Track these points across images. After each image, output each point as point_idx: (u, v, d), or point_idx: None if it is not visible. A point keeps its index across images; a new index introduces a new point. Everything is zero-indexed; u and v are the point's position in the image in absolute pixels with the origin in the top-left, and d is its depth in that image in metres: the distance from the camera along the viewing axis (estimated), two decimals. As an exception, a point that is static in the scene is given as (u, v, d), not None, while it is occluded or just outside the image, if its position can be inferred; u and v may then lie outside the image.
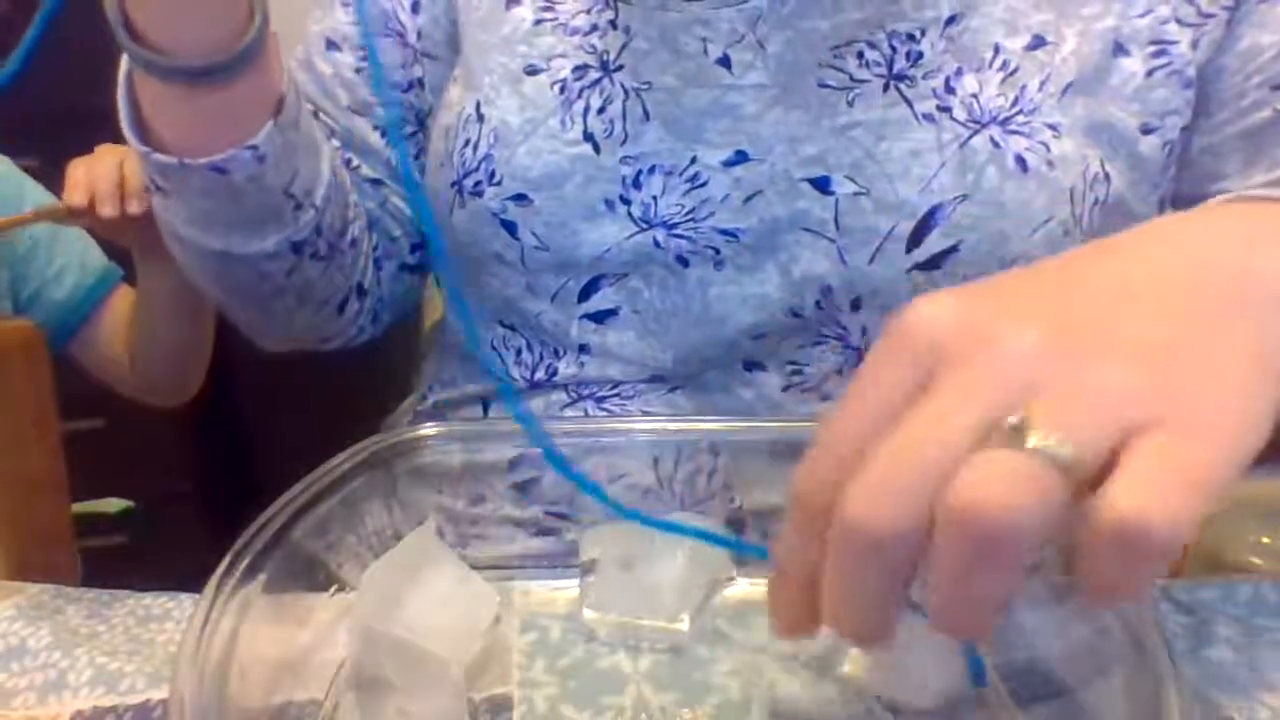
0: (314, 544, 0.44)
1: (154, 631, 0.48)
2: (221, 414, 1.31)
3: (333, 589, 0.47)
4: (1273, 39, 0.54)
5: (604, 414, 0.61)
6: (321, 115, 0.65)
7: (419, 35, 0.65)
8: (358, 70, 0.65)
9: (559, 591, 0.50)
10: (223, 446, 1.43)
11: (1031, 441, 0.27)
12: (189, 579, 0.43)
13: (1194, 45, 0.55)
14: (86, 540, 0.90)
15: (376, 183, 0.67)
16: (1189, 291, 0.31)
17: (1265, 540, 1.46)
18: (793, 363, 0.59)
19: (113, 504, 1.22)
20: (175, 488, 1.37)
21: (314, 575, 0.46)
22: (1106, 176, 0.54)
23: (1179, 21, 0.55)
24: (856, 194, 0.54)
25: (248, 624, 0.39)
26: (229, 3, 0.50)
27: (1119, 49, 0.55)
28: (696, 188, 0.57)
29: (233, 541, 0.40)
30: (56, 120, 1.00)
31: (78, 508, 0.87)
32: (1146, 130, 0.55)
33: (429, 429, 0.50)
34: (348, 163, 0.66)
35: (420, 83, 0.66)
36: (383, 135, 0.66)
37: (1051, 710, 0.42)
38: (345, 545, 0.47)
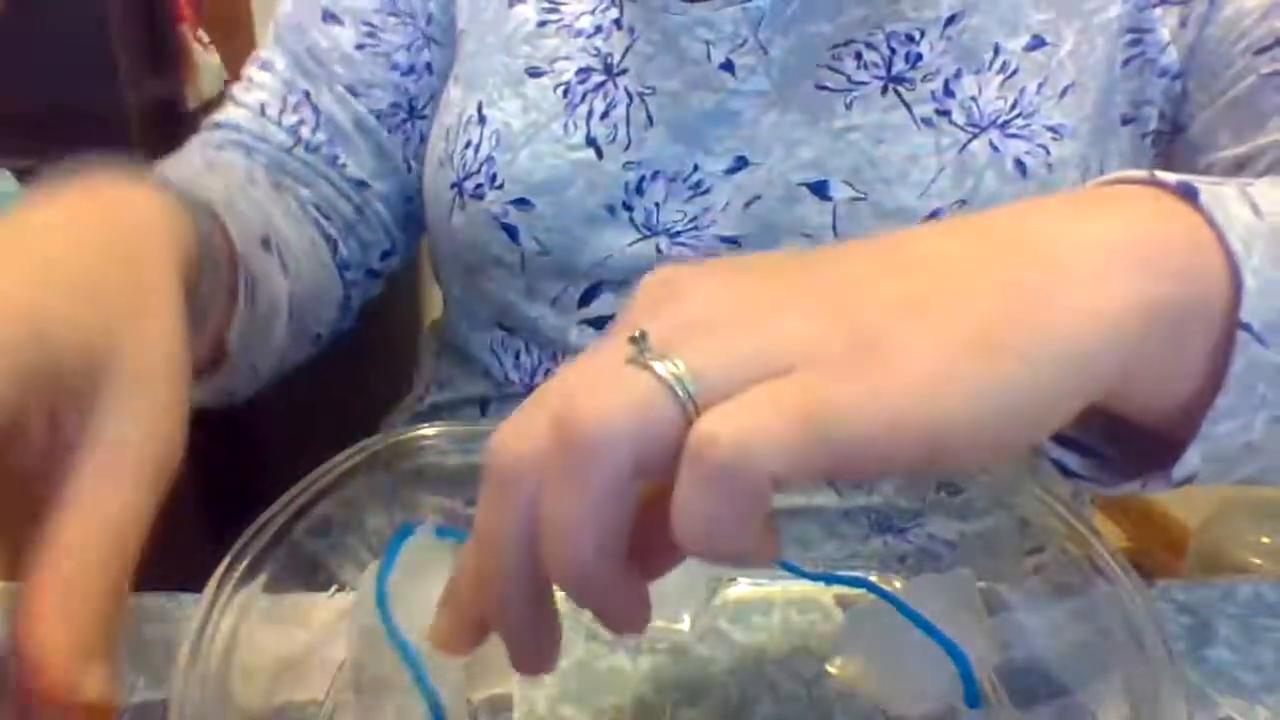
0: (314, 544, 0.44)
1: (154, 631, 0.48)
2: (221, 414, 1.31)
3: (333, 589, 0.47)
4: (1256, 3, 0.52)
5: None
6: (310, 95, 0.63)
7: (429, 19, 0.64)
8: (360, 47, 0.63)
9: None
10: (223, 446, 1.43)
11: (652, 361, 0.27)
12: (189, 579, 0.43)
13: (1182, 24, 0.54)
14: (86, 540, 0.89)
15: (360, 184, 0.64)
16: (933, 253, 0.30)
17: (1265, 540, 1.46)
18: None
19: (113, 504, 1.22)
20: (175, 488, 1.37)
21: (314, 575, 0.46)
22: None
23: (1165, 2, 0.54)
24: (854, 199, 0.54)
25: (248, 624, 0.39)
26: None
27: (1113, 43, 0.55)
28: (699, 195, 0.56)
29: (233, 541, 0.40)
30: (55, 120, 1.00)
31: (78, 508, 0.87)
32: (1125, 121, 0.55)
33: (428, 430, 0.50)
34: (333, 160, 0.63)
35: (429, 67, 0.64)
36: (378, 119, 0.64)
37: (1051, 710, 0.42)
38: (345, 545, 0.47)
